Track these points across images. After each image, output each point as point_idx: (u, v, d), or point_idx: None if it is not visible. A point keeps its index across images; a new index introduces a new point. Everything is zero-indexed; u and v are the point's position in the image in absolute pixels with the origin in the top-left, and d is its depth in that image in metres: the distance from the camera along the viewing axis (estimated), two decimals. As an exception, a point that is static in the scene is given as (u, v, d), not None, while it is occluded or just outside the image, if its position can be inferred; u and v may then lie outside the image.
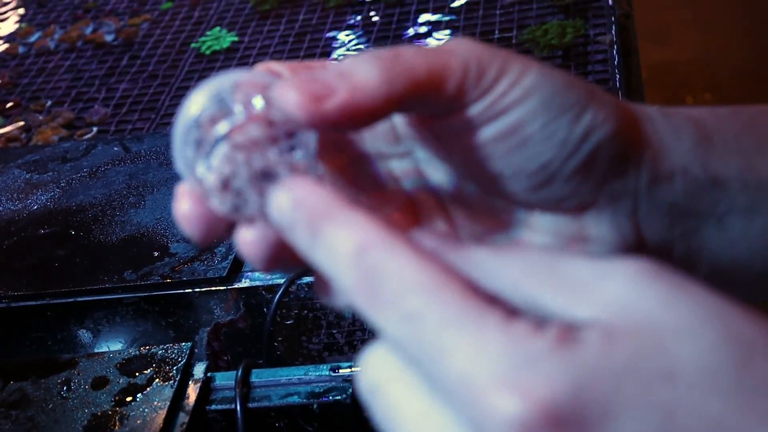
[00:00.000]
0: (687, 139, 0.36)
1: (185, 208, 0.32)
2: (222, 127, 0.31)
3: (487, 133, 0.33)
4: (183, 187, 0.32)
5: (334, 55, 1.16)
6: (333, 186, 0.36)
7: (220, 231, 0.32)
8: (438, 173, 0.37)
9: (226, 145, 0.31)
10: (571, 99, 0.33)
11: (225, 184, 0.31)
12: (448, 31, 1.17)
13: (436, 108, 0.33)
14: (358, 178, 0.37)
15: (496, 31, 1.14)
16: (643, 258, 0.26)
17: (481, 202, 0.37)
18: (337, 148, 0.37)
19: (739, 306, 0.25)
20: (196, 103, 0.31)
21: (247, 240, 0.32)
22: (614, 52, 1.03)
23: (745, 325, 0.24)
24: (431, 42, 1.15)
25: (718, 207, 0.36)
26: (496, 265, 0.27)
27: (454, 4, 1.22)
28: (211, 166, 0.31)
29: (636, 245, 0.36)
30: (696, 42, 2.31)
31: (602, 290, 0.25)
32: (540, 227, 0.36)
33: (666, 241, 0.37)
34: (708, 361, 0.23)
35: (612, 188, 0.35)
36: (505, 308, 0.25)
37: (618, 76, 0.99)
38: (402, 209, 0.37)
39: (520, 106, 0.33)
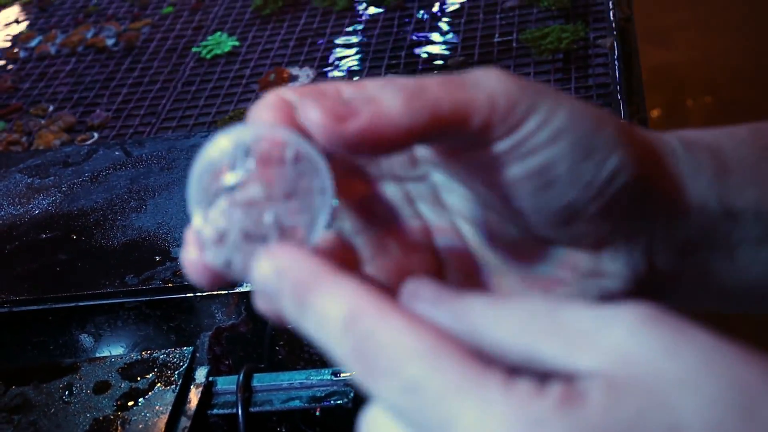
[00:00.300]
0: (706, 172, 0.36)
1: (192, 256, 0.32)
2: (228, 180, 0.31)
3: (512, 172, 0.33)
4: (191, 232, 0.32)
5: (335, 56, 1.17)
6: (349, 217, 0.35)
7: (227, 281, 0.32)
8: (454, 197, 0.37)
9: (225, 200, 0.31)
10: (599, 142, 0.33)
11: (220, 239, 0.31)
12: (449, 35, 1.17)
13: (459, 142, 0.33)
14: (374, 208, 0.37)
15: (497, 35, 1.14)
16: (643, 303, 0.25)
17: (497, 229, 0.37)
18: (355, 177, 0.37)
19: (741, 350, 0.24)
20: (217, 148, 0.31)
21: (258, 299, 0.31)
22: (614, 55, 1.03)
23: (747, 372, 0.24)
24: (432, 48, 1.15)
25: (730, 239, 0.36)
26: (495, 316, 0.27)
27: (455, 8, 1.22)
28: (208, 218, 0.31)
29: (647, 277, 0.36)
30: (696, 44, 2.31)
31: (603, 339, 0.25)
32: (555, 260, 0.36)
33: (676, 271, 0.37)
34: (712, 413, 0.23)
35: (630, 226, 0.35)
36: (505, 369, 0.25)
37: (618, 79, 0.99)
38: (418, 239, 0.37)
39: (548, 148, 0.32)
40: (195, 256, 0.32)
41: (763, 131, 0.38)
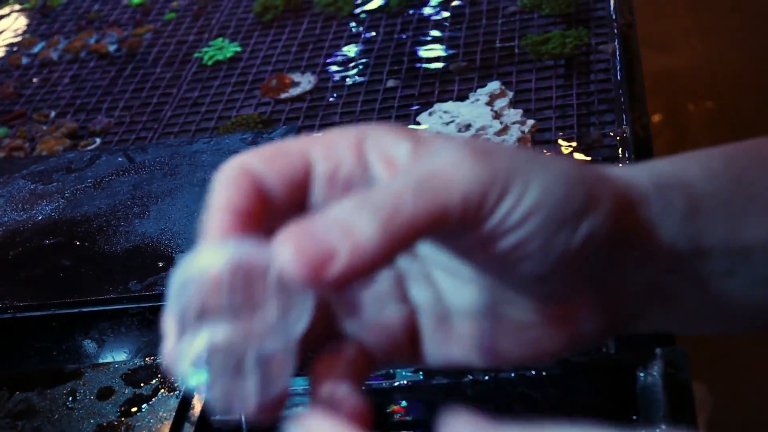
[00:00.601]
0: (677, 213, 0.36)
1: (170, 356, 0.32)
2: (209, 312, 0.31)
3: (486, 252, 0.33)
4: (170, 324, 0.32)
5: (336, 62, 1.17)
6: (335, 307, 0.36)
7: None
8: (425, 246, 0.37)
9: (208, 338, 0.31)
10: (570, 211, 0.33)
11: (197, 366, 0.31)
12: (450, 41, 1.17)
13: (435, 238, 0.33)
14: (355, 296, 0.37)
15: (498, 41, 1.15)
16: None
17: (471, 281, 0.37)
18: None
19: None
20: (199, 265, 0.31)
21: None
22: (617, 61, 1.04)
23: None
24: (434, 54, 1.15)
25: (699, 274, 0.37)
26: None
27: (457, 13, 1.22)
28: (189, 348, 0.31)
29: (618, 316, 0.37)
30: (697, 50, 2.31)
31: None
32: (529, 308, 0.36)
33: (646, 306, 0.37)
34: None
35: (601, 276, 0.35)
36: None
37: (621, 85, 0.99)
38: (392, 290, 0.37)
39: (520, 229, 0.32)
40: (172, 359, 0.32)
41: (737, 160, 0.38)
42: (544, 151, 0.36)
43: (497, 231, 0.32)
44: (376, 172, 0.34)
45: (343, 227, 0.30)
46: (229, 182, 0.34)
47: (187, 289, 0.31)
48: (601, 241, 0.34)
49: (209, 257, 0.32)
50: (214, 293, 0.31)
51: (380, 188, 0.32)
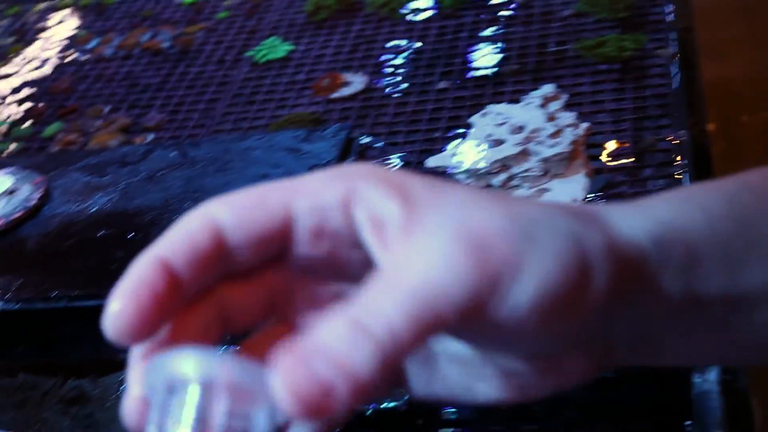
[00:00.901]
0: (674, 266, 0.35)
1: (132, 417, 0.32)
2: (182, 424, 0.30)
3: (478, 338, 0.33)
4: (136, 396, 0.32)
5: (389, 62, 1.17)
6: None
7: None
8: None
9: None
10: (565, 296, 0.32)
11: None
12: (503, 44, 1.16)
13: None
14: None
15: (552, 44, 1.14)
16: None
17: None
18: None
19: None
20: (175, 369, 0.31)
21: None
22: (674, 66, 1.02)
23: None
24: (486, 57, 1.15)
25: (693, 324, 0.36)
26: None
27: (510, 16, 1.22)
28: None
29: (604, 362, 0.37)
30: (750, 59, 2.28)
31: None
32: (517, 359, 0.35)
33: (634, 354, 0.37)
34: None
35: (593, 335, 0.35)
36: None
37: (679, 90, 0.97)
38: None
39: (514, 318, 0.32)
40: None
41: (738, 199, 0.37)
42: (546, 209, 0.35)
43: (490, 323, 0.32)
44: (364, 234, 0.33)
45: (338, 361, 0.29)
46: (181, 232, 0.33)
47: (167, 390, 0.31)
48: (596, 309, 0.33)
49: (194, 365, 0.30)
50: (193, 405, 0.30)
51: (372, 308, 0.30)
